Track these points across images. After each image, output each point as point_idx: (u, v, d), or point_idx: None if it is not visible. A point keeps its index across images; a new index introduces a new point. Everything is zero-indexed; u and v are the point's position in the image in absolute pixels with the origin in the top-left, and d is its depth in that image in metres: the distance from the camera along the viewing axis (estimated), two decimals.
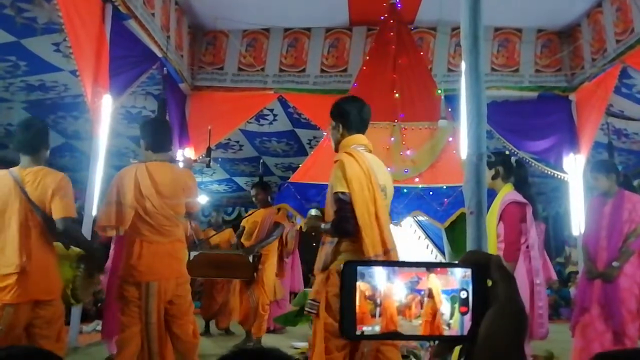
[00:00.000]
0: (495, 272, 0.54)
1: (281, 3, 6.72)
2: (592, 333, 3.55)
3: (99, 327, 6.08)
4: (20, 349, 0.71)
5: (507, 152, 3.74)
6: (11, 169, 2.86)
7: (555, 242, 10.27)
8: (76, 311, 4.64)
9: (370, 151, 2.76)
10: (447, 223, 4.82)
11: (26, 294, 2.69)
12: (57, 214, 2.78)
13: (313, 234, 4.52)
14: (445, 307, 0.54)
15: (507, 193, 3.35)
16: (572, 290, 7.97)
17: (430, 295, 0.54)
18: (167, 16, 6.30)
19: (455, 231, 4.77)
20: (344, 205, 2.51)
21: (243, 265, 4.91)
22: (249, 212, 5.63)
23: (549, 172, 7.11)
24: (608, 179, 3.79)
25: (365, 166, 2.60)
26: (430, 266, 0.55)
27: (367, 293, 0.53)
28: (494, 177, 3.43)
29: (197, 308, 4.32)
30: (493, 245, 3.25)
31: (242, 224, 5.65)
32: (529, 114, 7.05)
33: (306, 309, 2.71)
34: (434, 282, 0.54)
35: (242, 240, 5.44)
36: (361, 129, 2.77)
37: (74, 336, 4.63)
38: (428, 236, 5.17)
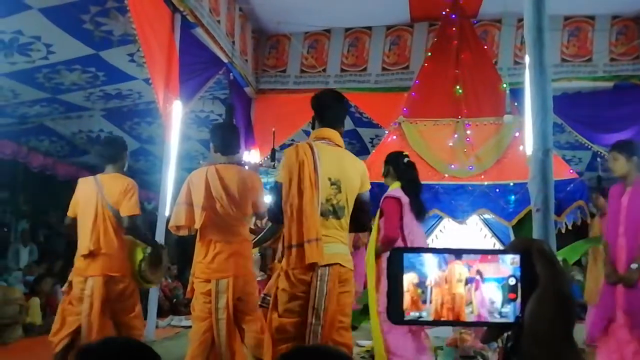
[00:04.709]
0: (536, 257, 0.54)
1: (342, 3, 6.75)
2: (615, 344, 3.16)
3: (174, 322, 6.44)
4: (116, 340, 0.80)
5: (404, 153, 3.76)
6: (97, 175, 3.65)
7: None
8: (152, 307, 4.90)
9: (338, 145, 2.67)
10: (514, 221, 4.69)
11: (98, 269, 3.45)
12: (124, 212, 3.51)
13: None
14: (496, 295, 0.55)
15: (392, 190, 3.61)
16: None
17: (447, 280, 0.56)
18: (232, 23, 6.51)
19: (524, 229, 4.61)
20: (275, 194, 2.67)
21: None
22: None
23: None
24: (628, 162, 3.23)
25: (302, 159, 2.53)
26: (470, 253, 0.56)
27: (415, 280, 0.56)
28: (384, 174, 3.75)
29: None
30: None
31: None
32: (604, 106, 6.69)
33: (259, 302, 2.85)
34: (455, 268, 0.56)
35: None
36: (334, 123, 2.70)
37: (151, 330, 4.88)
38: (495, 234, 5.03)
